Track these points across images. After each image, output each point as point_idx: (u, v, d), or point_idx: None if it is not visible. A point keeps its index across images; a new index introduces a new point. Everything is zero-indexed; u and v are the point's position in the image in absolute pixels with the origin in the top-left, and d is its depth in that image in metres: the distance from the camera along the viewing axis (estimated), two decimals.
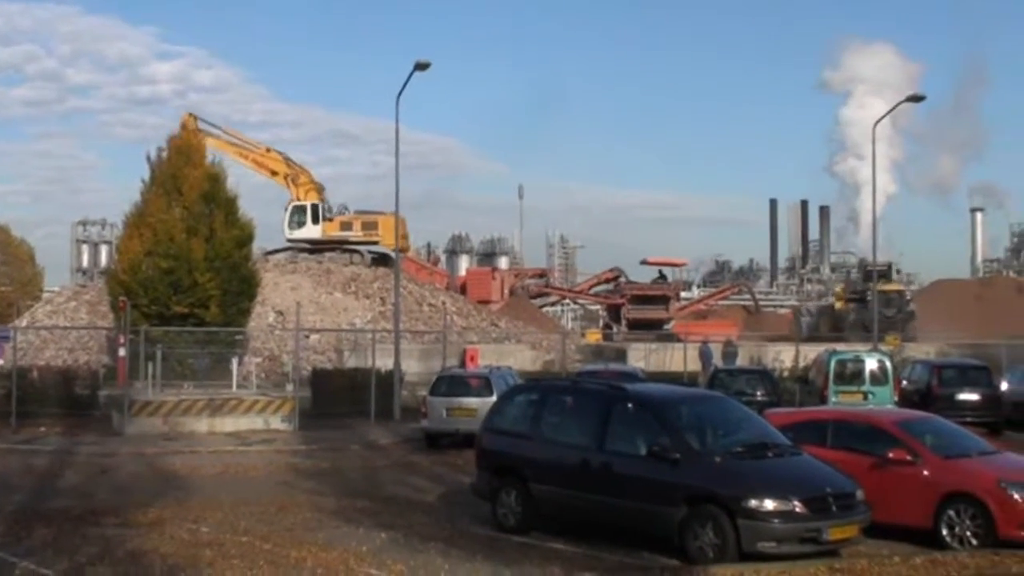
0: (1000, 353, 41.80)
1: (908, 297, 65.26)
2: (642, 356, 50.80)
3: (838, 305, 65.39)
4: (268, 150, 63.79)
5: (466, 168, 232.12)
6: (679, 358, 45.36)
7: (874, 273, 53.55)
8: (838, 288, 75.38)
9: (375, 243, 63.96)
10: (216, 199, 39.97)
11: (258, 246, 54.34)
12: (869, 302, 61.69)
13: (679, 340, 51.30)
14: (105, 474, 22.39)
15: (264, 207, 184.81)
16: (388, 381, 33.14)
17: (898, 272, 74.26)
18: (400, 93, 33.58)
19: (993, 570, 13.15)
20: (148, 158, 40.56)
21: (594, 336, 66.36)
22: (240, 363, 36.66)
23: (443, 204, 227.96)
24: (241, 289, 39.95)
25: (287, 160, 63.47)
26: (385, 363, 34.44)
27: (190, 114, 53.35)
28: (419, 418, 28.27)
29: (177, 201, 39.68)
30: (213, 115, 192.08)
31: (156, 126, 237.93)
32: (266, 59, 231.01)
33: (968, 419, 26.21)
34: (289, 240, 64.57)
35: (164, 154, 40.47)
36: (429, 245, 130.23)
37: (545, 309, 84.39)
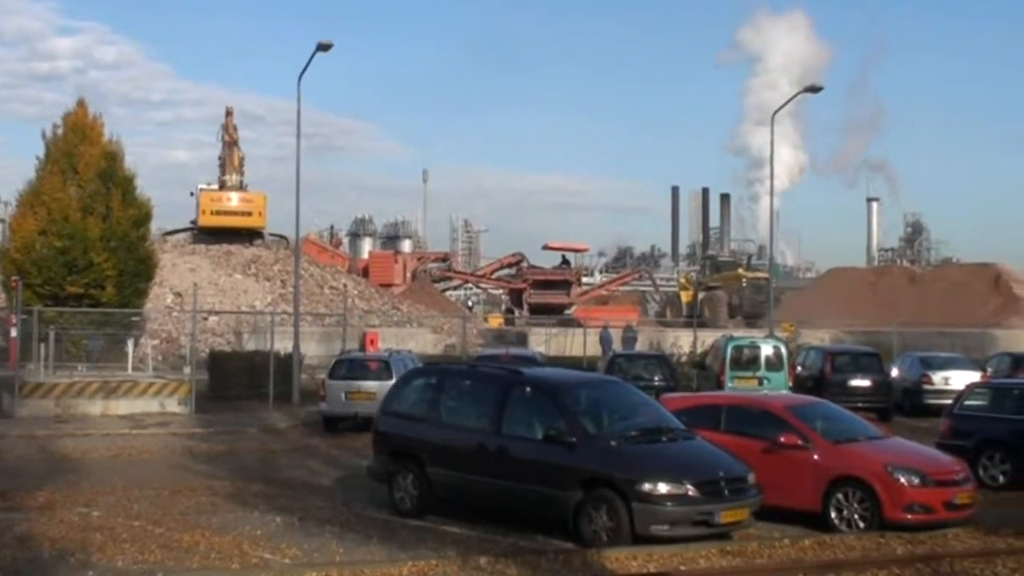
0: (892, 340, 42.81)
1: (774, 285, 66.99)
2: (543, 341, 50.99)
3: (684, 295, 66.86)
4: None
5: (371, 151, 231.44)
6: (579, 343, 45.67)
7: (710, 264, 54.84)
8: (682, 278, 76.94)
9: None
10: (113, 178, 39.18)
11: (157, 226, 53.73)
12: (715, 289, 63.46)
13: (580, 325, 51.61)
14: None
15: (164, 187, 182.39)
16: (287, 364, 32.92)
17: (750, 259, 76.59)
18: (302, 74, 33.33)
19: (878, 552, 13.45)
20: (43, 135, 39.69)
21: (496, 320, 66.49)
22: (136, 345, 36.09)
23: (347, 186, 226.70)
24: (138, 270, 39.24)
25: None
26: (285, 346, 34.19)
27: None
28: (318, 401, 28.09)
29: (73, 179, 38.83)
30: (114, 93, 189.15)
31: (55, 103, 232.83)
32: (170, 37, 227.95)
33: (859, 404, 26.72)
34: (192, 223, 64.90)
35: (59, 131, 39.62)
36: (332, 227, 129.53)
37: (448, 293, 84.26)
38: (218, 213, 63.51)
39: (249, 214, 63.62)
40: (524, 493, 14.56)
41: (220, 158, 66.17)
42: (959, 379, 28.77)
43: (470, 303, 78.03)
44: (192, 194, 65.79)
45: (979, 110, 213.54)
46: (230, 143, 65.71)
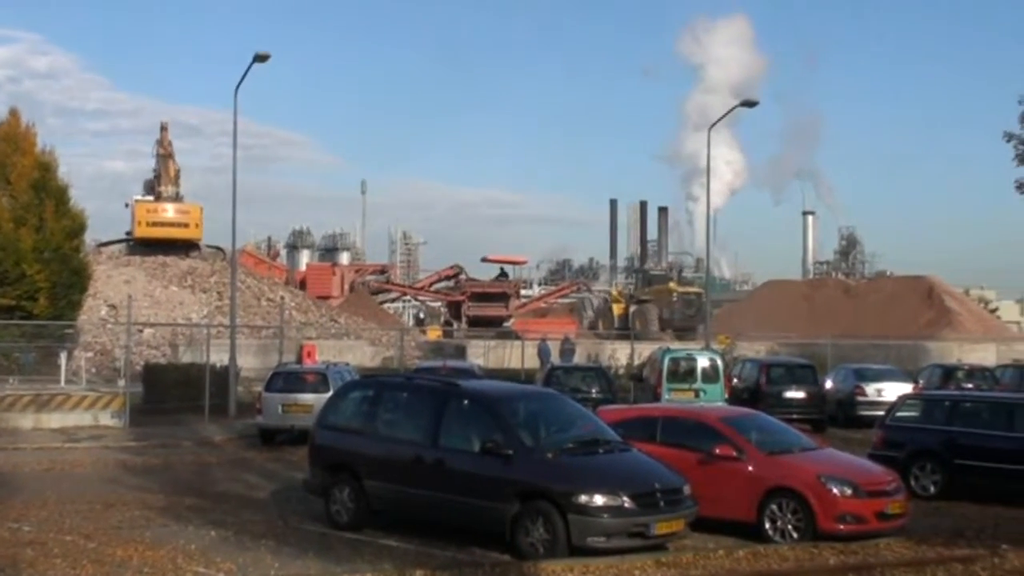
0: (826, 352, 43.30)
1: (704, 299, 67.85)
2: (481, 353, 51.03)
3: (615, 307, 67.57)
4: None
5: (310, 162, 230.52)
6: (518, 355, 45.75)
7: (642, 277, 55.43)
8: (614, 291, 77.67)
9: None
10: (47, 188, 38.81)
11: (92, 237, 53.22)
12: (646, 303, 64.23)
13: (518, 337, 51.69)
14: None
15: (99, 197, 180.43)
16: (224, 376, 32.66)
17: (680, 273, 77.74)
18: (239, 85, 33.10)
19: (811, 562, 13.60)
20: None
21: (434, 333, 66.44)
22: (70, 358, 35.70)
23: (285, 198, 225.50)
24: (72, 281, 38.85)
25: None
26: (221, 358, 33.91)
27: None
28: (254, 414, 27.88)
29: (5, 190, 38.44)
30: (49, 103, 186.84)
31: None
32: (106, 47, 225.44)
33: (794, 416, 26.98)
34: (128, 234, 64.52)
35: None
36: (269, 239, 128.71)
37: (386, 305, 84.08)
38: (154, 225, 63.11)
39: (186, 225, 63.26)
40: (461, 506, 14.55)
41: (155, 170, 65.92)
42: (892, 391, 29.15)
43: (422, 315, 77.83)
44: (127, 205, 65.52)
45: (912, 124, 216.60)
46: (165, 156, 65.43)
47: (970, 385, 33.19)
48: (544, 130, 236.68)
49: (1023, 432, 19.01)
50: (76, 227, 39.72)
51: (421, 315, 76.76)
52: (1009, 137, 48.66)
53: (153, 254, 62.07)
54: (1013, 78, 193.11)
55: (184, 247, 63.70)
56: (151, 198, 64.57)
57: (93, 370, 40.52)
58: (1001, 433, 19.18)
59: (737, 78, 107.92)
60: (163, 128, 66.84)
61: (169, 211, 63.72)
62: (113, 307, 50.96)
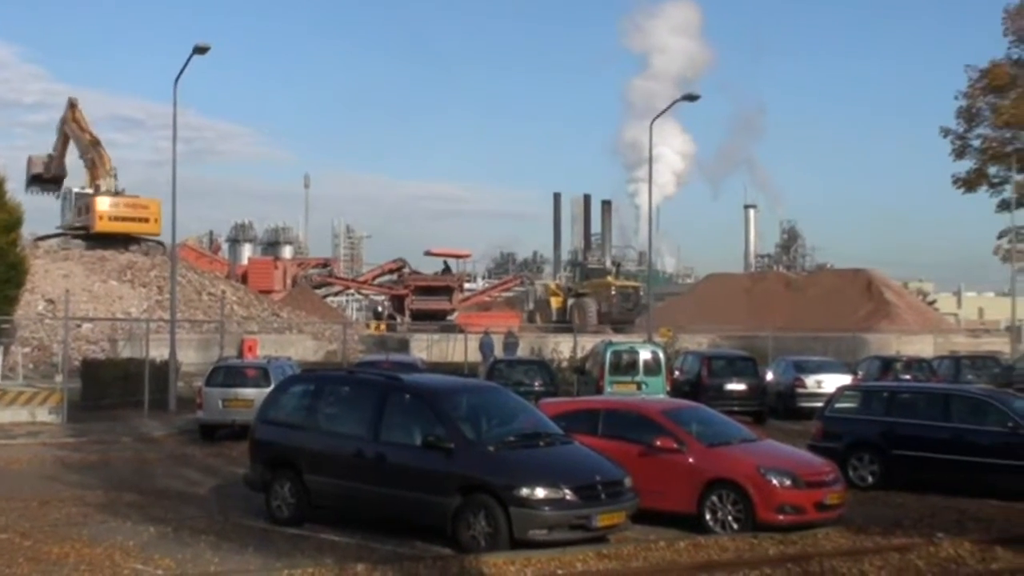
0: (767, 345, 43.65)
1: (641, 293, 68.20)
2: (425, 347, 50.96)
3: (553, 300, 68.05)
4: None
5: (253, 156, 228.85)
6: (461, 349, 45.70)
7: (581, 271, 55.80)
8: (552, 284, 78.16)
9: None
10: None
11: (29, 231, 52.50)
12: (585, 296, 64.84)
13: (461, 331, 51.66)
14: None
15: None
16: (163, 372, 32.35)
17: (619, 267, 78.62)
18: (179, 77, 32.85)
19: (751, 552, 13.71)
20: None
21: (378, 327, 66.28)
22: (6, 353, 35.25)
23: (227, 192, 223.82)
24: (8, 276, 38.15)
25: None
26: (162, 353, 33.63)
27: None
28: (195, 409, 27.67)
29: None
30: None
31: None
32: (44, 39, 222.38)
33: (734, 408, 27.25)
34: (60, 227, 63.48)
35: None
36: (211, 233, 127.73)
37: (329, 299, 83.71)
38: (116, 219, 62.29)
39: (146, 220, 62.48)
40: (402, 500, 14.52)
41: (54, 148, 64.94)
42: (831, 382, 29.35)
43: (380, 308, 77.56)
44: (58, 197, 64.82)
45: (852, 118, 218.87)
46: (93, 142, 64.23)
47: (908, 376, 33.62)
48: (490, 123, 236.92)
49: (959, 422, 19.26)
50: (12, 221, 39.07)
51: (379, 308, 76.47)
52: (946, 132, 49.74)
53: (91, 248, 61.36)
54: (953, 74, 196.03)
55: (123, 241, 62.96)
56: (91, 191, 63.66)
57: (30, 366, 40.05)
58: (937, 423, 19.40)
59: (682, 67, 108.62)
60: (72, 105, 65.57)
61: (131, 206, 63.11)
62: (51, 302, 50.32)
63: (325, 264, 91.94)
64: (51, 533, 14.65)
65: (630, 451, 15.85)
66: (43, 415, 29.06)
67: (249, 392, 25.95)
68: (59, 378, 31.80)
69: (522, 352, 46.71)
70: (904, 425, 19.73)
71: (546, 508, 13.57)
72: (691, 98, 42.35)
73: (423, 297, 72.21)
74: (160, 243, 63.88)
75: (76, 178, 66.06)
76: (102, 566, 12.79)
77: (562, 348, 49.54)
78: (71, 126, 64.90)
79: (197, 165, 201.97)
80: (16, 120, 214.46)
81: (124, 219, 62.66)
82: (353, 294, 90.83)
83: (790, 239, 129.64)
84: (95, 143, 64.60)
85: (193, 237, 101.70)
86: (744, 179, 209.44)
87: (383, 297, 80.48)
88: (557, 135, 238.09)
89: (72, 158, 66.11)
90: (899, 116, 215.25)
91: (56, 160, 67.41)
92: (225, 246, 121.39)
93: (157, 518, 15.85)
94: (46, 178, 67.31)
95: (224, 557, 13.35)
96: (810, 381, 32.25)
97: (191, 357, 40.34)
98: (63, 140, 66.34)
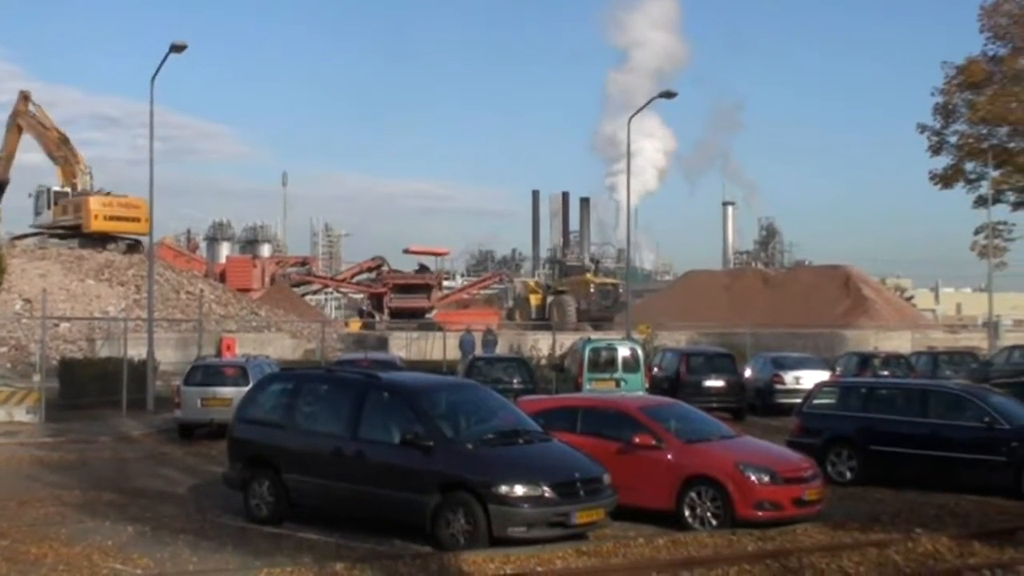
0: (745, 341, 43.73)
1: (620, 290, 68.51)
2: (404, 345, 50.95)
3: (532, 298, 68.18)
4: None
5: (231, 154, 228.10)
6: (440, 347, 45.68)
7: (559, 268, 55.90)
8: (531, 282, 78.24)
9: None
10: None
11: (5, 230, 52.30)
12: (563, 294, 65.01)
13: (440, 329, 51.63)
14: None
15: (12, 189, 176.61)
16: (142, 371, 32.26)
17: (598, 264, 78.76)
18: (155, 75, 32.73)
19: (730, 549, 13.74)
20: None
21: (356, 325, 66.15)
22: None
23: (205, 190, 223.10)
24: None
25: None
26: (140, 352, 33.52)
27: None
28: (173, 408, 27.58)
29: None
30: None
31: None
32: (19, 37, 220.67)
33: (713, 405, 27.33)
34: (35, 226, 63.04)
35: None
36: (189, 232, 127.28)
37: (308, 298, 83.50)
38: (110, 219, 61.92)
39: (136, 220, 61.99)
40: (381, 498, 14.51)
41: (57, 158, 63.83)
42: (809, 378, 29.43)
43: (364, 307, 77.33)
44: (31, 195, 64.27)
45: (830, 115, 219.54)
46: (62, 139, 63.47)
47: (886, 372, 33.74)
48: (469, 121, 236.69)
49: (936, 418, 19.35)
50: None
51: (364, 307, 76.23)
52: (923, 129, 49.90)
53: (68, 247, 61.07)
54: (929, 70, 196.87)
55: (101, 240, 62.62)
56: (68, 190, 63.21)
57: (8, 365, 39.87)
58: (915, 419, 19.49)
59: (661, 62, 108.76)
60: (25, 98, 64.01)
61: (122, 205, 62.63)
62: (28, 301, 50.07)
63: (304, 262, 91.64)
64: (29, 533, 14.57)
65: (609, 448, 15.88)
66: (21, 415, 28.88)
67: (227, 391, 25.88)
68: (37, 378, 31.64)
69: (501, 349, 46.72)
70: (882, 421, 19.81)
71: (525, 505, 13.58)
72: (668, 95, 42.26)
73: (402, 295, 72.02)
74: (138, 241, 63.57)
75: (46, 177, 65.11)
76: (80, 566, 12.74)
77: (541, 345, 49.58)
78: (27, 120, 63.68)
79: (176, 164, 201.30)
80: None
81: (118, 218, 62.33)
82: (332, 292, 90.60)
83: (768, 236, 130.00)
84: (64, 140, 63.75)
85: (171, 236, 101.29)
86: (722, 176, 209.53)
87: (363, 296, 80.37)
88: (536, 133, 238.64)
89: (40, 157, 65.00)
90: (876, 112, 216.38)
91: (3, 163, 64.82)
92: (203, 244, 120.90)
93: (135, 517, 15.80)
94: None
95: (203, 556, 13.32)
96: (788, 377, 32.34)
97: (169, 356, 40.21)
98: (15, 136, 64.56)
